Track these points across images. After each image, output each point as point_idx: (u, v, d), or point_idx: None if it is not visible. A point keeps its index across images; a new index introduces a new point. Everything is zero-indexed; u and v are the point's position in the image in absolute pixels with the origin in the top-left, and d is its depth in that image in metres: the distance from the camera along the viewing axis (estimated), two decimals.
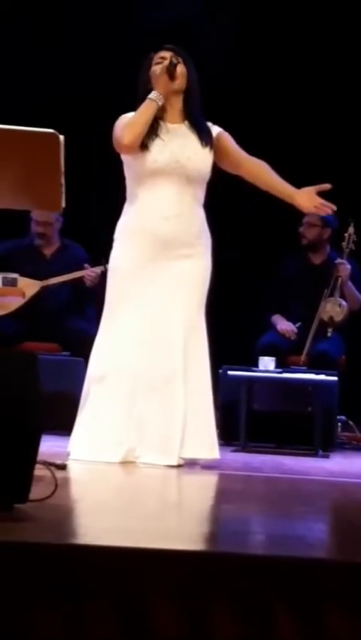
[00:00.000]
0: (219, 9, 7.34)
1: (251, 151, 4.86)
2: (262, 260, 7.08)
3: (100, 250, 4.82)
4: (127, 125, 4.65)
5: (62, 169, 3.89)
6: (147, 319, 4.63)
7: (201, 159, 4.71)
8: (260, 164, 4.79)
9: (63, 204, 3.99)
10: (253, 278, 7.07)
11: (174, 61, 4.68)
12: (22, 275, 5.73)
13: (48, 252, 6.58)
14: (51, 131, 3.86)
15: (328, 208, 4.71)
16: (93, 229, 4.95)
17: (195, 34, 7.06)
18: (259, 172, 4.78)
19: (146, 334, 4.62)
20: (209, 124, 4.80)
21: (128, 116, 4.73)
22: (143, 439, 4.56)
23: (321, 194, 4.70)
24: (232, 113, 6.98)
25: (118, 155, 4.75)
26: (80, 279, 6.35)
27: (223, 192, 4.89)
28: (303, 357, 6.39)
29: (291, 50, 7.34)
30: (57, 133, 3.86)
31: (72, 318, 6.40)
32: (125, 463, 4.52)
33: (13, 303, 6.11)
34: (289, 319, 6.59)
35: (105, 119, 4.86)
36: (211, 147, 4.74)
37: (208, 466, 4.62)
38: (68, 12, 7.31)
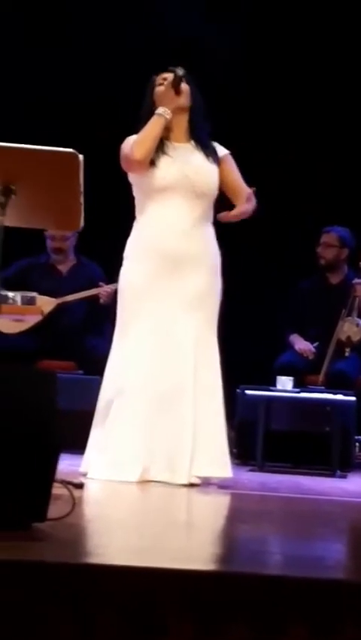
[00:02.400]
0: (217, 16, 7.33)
1: (260, 164, 4.87)
2: (280, 279, 7.08)
3: (116, 268, 4.84)
4: (136, 142, 4.67)
5: (82, 188, 3.90)
6: (157, 335, 4.62)
7: (208, 174, 4.72)
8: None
9: (82, 224, 4.01)
10: (271, 297, 7.07)
11: (179, 72, 4.69)
12: (39, 292, 5.77)
13: (64, 268, 6.61)
14: (71, 150, 3.88)
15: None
16: (108, 247, 4.96)
17: (192, 35, 7.06)
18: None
19: (157, 350, 4.62)
20: (216, 144, 4.82)
21: (134, 137, 4.74)
22: (154, 456, 4.55)
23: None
24: (238, 124, 7.00)
25: (126, 175, 4.75)
26: (95, 297, 6.38)
27: None
28: (321, 377, 6.38)
29: (295, 62, 7.34)
30: (77, 152, 3.88)
31: (88, 336, 6.42)
32: (142, 482, 4.50)
33: (31, 320, 6.14)
34: (306, 339, 6.58)
35: (109, 122, 4.87)
36: (217, 164, 4.75)
37: (224, 485, 4.60)
38: (67, 12, 7.29)
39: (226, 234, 4.85)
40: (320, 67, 7.34)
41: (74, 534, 2.91)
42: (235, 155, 4.86)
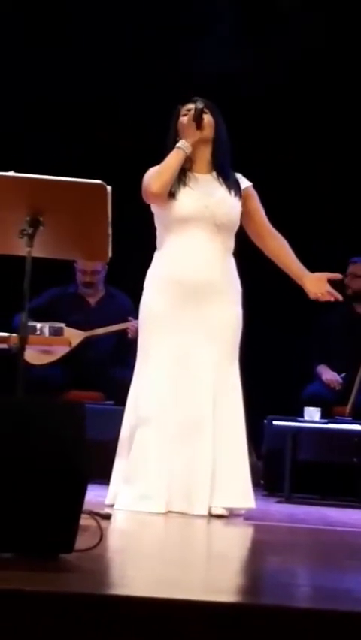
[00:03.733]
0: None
1: (260, 164, 4.86)
2: (307, 310, 7.07)
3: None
4: (154, 174, 4.68)
5: (109, 219, 3.92)
6: (177, 365, 4.61)
7: (230, 205, 4.72)
8: (282, 245, 4.83)
9: (110, 254, 4.02)
10: (298, 328, 7.06)
11: (199, 105, 4.70)
12: (67, 323, 5.78)
13: (93, 300, 6.63)
14: (99, 182, 3.90)
15: (332, 296, 4.76)
16: (136, 277, 4.98)
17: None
18: (280, 253, 4.84)
19: (176, 380, 4.61)
20: (238, 175, 4.82)
21: (155, 169, 4.75)
22: (175, 487, 4.53)
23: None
24: (238, 124, 7.00)
25: (148, 206, 4.77)
26: (124, 330, 6.37)
27: None
28: (348, 408, 6.36)
29: (295, 62, 7.34)
30: (105, 184, 3.90)
31: (116, 367, 6.42)
32: (168, 513, 4.49)
33: (59, 351, 6.15)
34: (334, 369, 6.57)
35: (109, 122, 4.87)
36: (240, 197, 4.76)
37: (251, 517, 4.58)
38: (67, 12, 7.28)
39: (251, 263, 4.84)
40: (319, 67, 7.34)
41: (101, 565, 2.90)
42: (235, 155, 4.85)
